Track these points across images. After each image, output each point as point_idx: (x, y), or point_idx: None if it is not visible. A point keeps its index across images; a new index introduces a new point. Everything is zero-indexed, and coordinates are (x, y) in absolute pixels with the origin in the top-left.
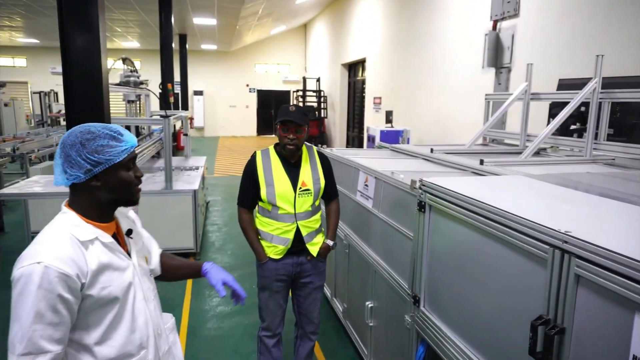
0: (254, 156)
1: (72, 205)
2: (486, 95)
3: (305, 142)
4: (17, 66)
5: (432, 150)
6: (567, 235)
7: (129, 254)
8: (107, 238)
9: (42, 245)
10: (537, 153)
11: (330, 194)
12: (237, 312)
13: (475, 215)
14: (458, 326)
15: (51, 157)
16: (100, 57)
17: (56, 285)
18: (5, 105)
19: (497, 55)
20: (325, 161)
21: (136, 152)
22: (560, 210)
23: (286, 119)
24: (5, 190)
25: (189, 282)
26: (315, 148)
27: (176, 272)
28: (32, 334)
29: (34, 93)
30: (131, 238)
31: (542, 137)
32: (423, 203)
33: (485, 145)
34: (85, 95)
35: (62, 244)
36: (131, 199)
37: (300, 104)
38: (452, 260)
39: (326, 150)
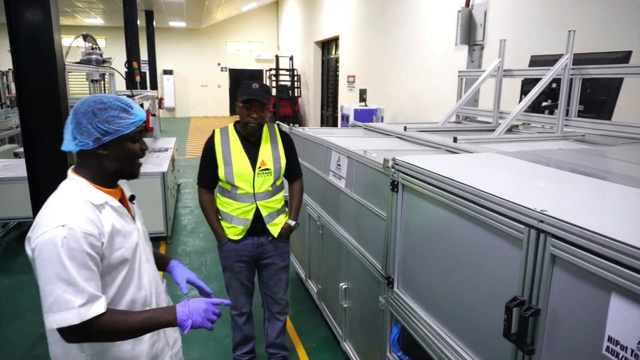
0: (212, 135)
1: (78, 171)
2: (459, 72)
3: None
4: None
5: (405, 129)
6: (543, 214)
7: (133, 219)
8: (116, 202)
9: (59, 209)
10: (510, 130)
11: (292, 174)
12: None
13: (449, 195)
14: (432, 308)
15: (11, 140)
16: (53, 32)
17: (83, 244)
18: None
19: (470, 33)
20: (287, 139)
21: (143, 125)
22: (535, 188)
23: (250, 98)
24: None
25: None
26: (276, 126)
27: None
28: (80, 286)
29: None
30: (133, 204)
31: (515, 114)
32: (396, 182)
33: (458, 123)
34: (37, 74)
35: (80, 206)
36: (133, 171)
37: (274, 83)
38: (425, 240)
39: (299, 130)
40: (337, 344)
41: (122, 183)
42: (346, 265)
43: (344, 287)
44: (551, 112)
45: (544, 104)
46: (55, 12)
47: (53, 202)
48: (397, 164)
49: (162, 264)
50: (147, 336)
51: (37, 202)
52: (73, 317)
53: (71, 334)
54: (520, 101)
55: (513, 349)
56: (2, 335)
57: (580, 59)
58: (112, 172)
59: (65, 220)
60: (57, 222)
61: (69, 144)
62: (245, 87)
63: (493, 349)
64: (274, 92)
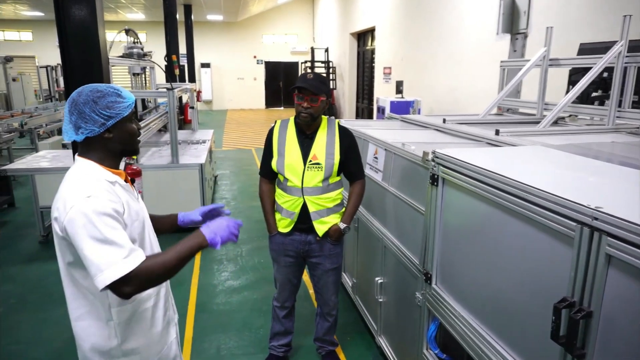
0: (273, 125)
1: (85, 156)
2: (501, 62)
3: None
4: (23, 40)
5: (444, 121)
6: (598, 211)
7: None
8: (123, 182)
9: (80, 185)
10: (556, 122)
11: (351, 174)
12: (246, 286)
13: (492, 189)
14: (473, 305)
15: (59, 132)
16: (98, 28)
17: (109, 209)
18: (14, 80)
19: (513, 21)
20: (346, 137)
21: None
22: (587, 184)
23: (300, 86)
24: (14, 166)
25: (197, 257)
26: (337, 121)
27: (156, 224)
28: (119, 242)
29: (41, 67)
30: (134, 187)
31: (562, 105)
32: (436, 176)
33: (499, 115)
34: (84, 68)
35: (97, 181)
36: (134, 148)
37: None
38: (467, 236)
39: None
40: (372, 339)
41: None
42: (382, 259)
43: (379, 281)
44: (601, 103)
45: (594, 94)
46: (100, 8)
47: (71, 182)
48: (437, 157)
49: (171, 221)
50: (161, 304)
51: None
52: (120, 269)
53: (124, 286)
54: (567, 92)
55: (561, 352)
56: (51, 317)
57: (635, 46)
58: (117, 153)
59: (89, 192)
60: (83, 195)
61: (72, 135)
62: (301, 76)
63: (538, 351)
64: None
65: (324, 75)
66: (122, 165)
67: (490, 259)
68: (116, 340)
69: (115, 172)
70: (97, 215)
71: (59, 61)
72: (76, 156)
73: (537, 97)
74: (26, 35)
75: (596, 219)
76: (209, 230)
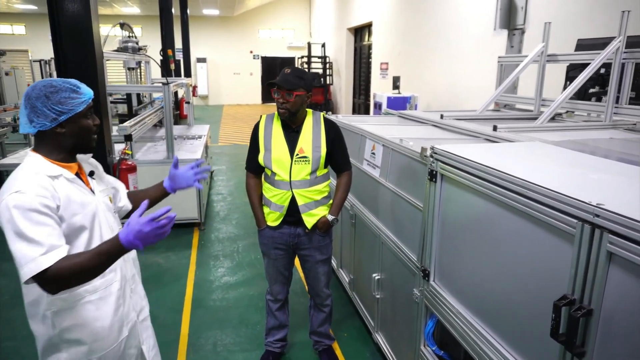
0: (258, 120)
1: (37, 150)
2: (499, 57)
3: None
4: (16, 34)
5: (442, 117)
6: (599, 208)
7: (92, 192)
8: (70, 175)
9: (16, 180)
10: (553, 118)
11: (338, 165)
12: (242, 282)
13: (491, 185)
14: (471, 302)
15: None
16: (91, 21)
17: (35, 205)
18: (6, 74)
19: (510, 16)
20: (331, 129)
21: (92, 103)
22: (586, 180)
23: (270, 82)
24: (6, 161)
25: (194, 253)
26: (322, 114)
27: (143, 199)
28: (37, 239)
29: (35, 61)
30: (93, 179)
31: (560, 101)
32: (434, 172)
33: (497, 111)
34: (77, 62)
35: (34, 176)
36: (89, 145)
37: (306, 70)
38: (465, 233)
39: (331, 117)
40: (369, 335)
41: (83, 160)
42: (379, 255)
43: (376, 277)
44: (599, 100)
45: (592, 90)
46: (94, 1)
47: (11, 176)
48: (435, 153)
49: (158, 191)
50: (112, 299)
51: None
52: (36, 266)
53: (43, 282)
54: (564, 88)
55: (561, 350)
56: None
57: (633, 42)
58: (70, 148)
59: (18, 187)
60: (12, 190)
61: (26, 127)
62: (280, 72)
63: (537, 349)
64: None
65: (310, 69)
66: (84, 158)
67: (489, 255)
68: (52, 329)
69: (63, 166)
70: (21, 211)
71: (53, 55)
72: (28, 150)
73: (534, 93)
74: (19, 28)
75: (597, 216)
76: (126, 232)
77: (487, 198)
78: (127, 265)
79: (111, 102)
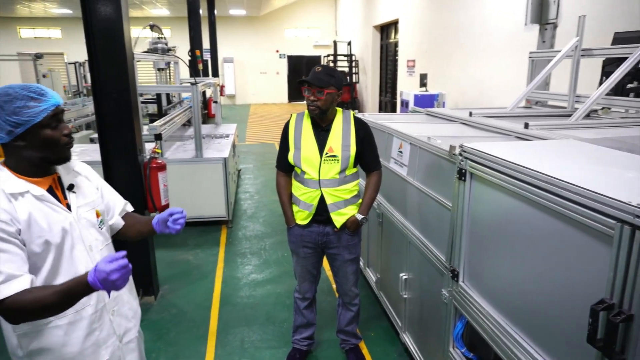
0: (289, 119)
1: (6, 162)
2: (530, 53)
3: (343, 108)
4: (52, 37)
5: (470, 114)
6: None
7: (68, 207)
8: (39, 191)
9: None
10: (588, 115)
11: (368, 165)
12: (269, 280)
13: (524, 185)
14: (503, 305)
15: (88, 126)
16: (123, 24)
17: None
18: (44, 76)
19: (542, 10)
20: (361, 128)
21: (61, 109)
22: (625, 179)
23: (302, 80)
24: None
25: (221, 250)
26: (352, 113)
27: (132, 229)
28: None
29: (70, 64)
30: (74, 192)
31: (596, 97)
32: (463, 171)
33: (528, 108)
34: (110, 64)
35: None
36: (59, 156)
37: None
38: (496, 233)
39: (358, 116)
40: (396, 335)
41: (67, 170)
42: (407, 255)
43: (404, 277)
44: (637, 95)
45: (629, 85)
46: (125, 4)
47: None
48: (465, 151)
49: (146, 224)
50: (83, 324)
51: (110, 182)
52: None
53: (1, 312)
54: (600, 83)
55: (598, 356)
56: None
57: None
58: (37, 161)
59: None
60: None
61: None
62: (311, 70)
63: (572, 354)
64: None
65: (337, 67)
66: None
67: (521, 256)
68: (21, 350)
69: (32, 181)
70: None
71: (87, 57)
72: None
73: (568, 89)
74: (55, 32)
75: (638, 216)
76: (93, 277)
77: (519, 197)
78: None
79: (142, 102)
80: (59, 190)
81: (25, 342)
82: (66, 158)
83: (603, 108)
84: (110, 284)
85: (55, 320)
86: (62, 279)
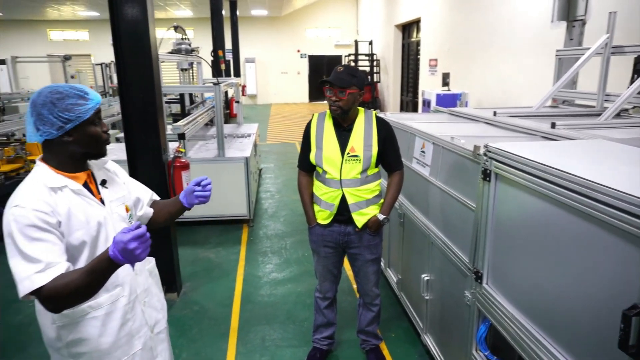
0: (311, 119)
1: (45, 159)
2: (557, 51)
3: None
4: (80, 39)
5: (495, 114)
6: None
7: (102, 202)
8: (76, 186)
9: (18, 193)
10: (618, 115)
11: (390, 165)
12: (290, 279)
13: (552, 186)
14: (529, 308)
15: (113, 126)
16: (148, 25)
17: (34, 220)
18: (72, 77)
19: (570, 7)
20: (383, 128)
21: (100, 108)
22: None
23: (323, 80)
24: None
25: (243, 248)
26: (374, 113)
27: (163, 214)
28: (34, 256)
29: (96, 65)
30: (106, 187)
31: (627, 96)
32: (488, 171)
33: (555, 107)
34: (135, 64)
35: (35, 189)
36: (99, 152)
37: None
38: (522, 234)
39: (380, 115)
40: (417, 336)
41: (98, 167)
42: (429, 256)
43: (426, 278)
44: None
45: None
46: (151, 6)
47: (17, 188)
48: (489, 151)
49: (175, 203)
50: (118, 314)
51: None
52: (30, 284)
53: (42, 301)
54: (632, 82)
55: None
56: None
57: None
58: (78, 156)
59: (19, 201)
60: (12, 204)
61: (33, 136)
62: (333, 70)
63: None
64: None
65: (358, 67)
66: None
67: (549, 259)
68: (60, 342)
69: (70, 176)
70: (19, 227)
71: (113, 58)
72: (37, 159)
73: (597, 88)
74: (83, 34)
75: None
76: (112, 248)
77: (547, 199)
78: (139, 279)
79: (165, 102)
80: (93, 185)
81: (64, 333)
82: (104, 153)
83: (634, 107)
84: (129, 254)
85: (92, 312)
86: None
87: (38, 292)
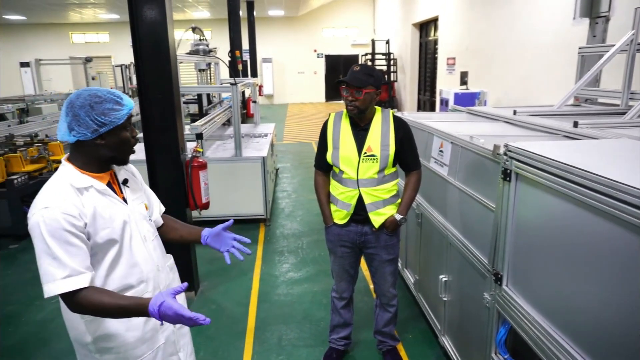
0: (327, 118)
1: (71, 159)
2: (580, 48)
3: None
4: (101, 42)
5: (515, 112)
6: None
7: (124, 200)
8: (101, 185)
9: (45, 194)
10: None
11: (407, 164)
12: (306, 279)
13: (577, 187)
14: (551, 312)
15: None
16: (167, 27)
17: (63, 223)
18: (93, 79)
19: (593, 3)
20: (400, 127)
21: (132, 114)
22: None
23: (340, 80)
24: None
25: (259, 248)
26: (392, 112)
27: (174, 232)
28: (61, 259)
29: (116, 66)
30: (127, 187)
31: None
32: (508, 171)
33: (577, 106)
34: (154, 65)
35: (62, 190)
36: (125, 158)
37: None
38: (544, 236)
39: (397, 114)
40: (435, 338)
41: (118, 168)
42: (447, 257)
43: (444, 279)
44: None
45: None
46: (169, 8)
47: (43, 188)
48: (510, 151)
49: (193, 236)
50: None
51: (154, 180)
52: (56, 288)
53: (65, 300)
54: None
55: None
56: None
57: None
58: (107, 160)
59: (47, 203)
60: (41, 205)
61: (65, 136)
62: (349, 70)
63: None
64: None
65: (375, 66)
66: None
67: (574, 262)
68: (89, 336)
69: (95, 176)
70: (48, 230)
71: (132, 60)
72: (63, 159)
73: (621, 86)
74: (104, 36)
75: None
76: (157, 310)
77: (570, 200)
78: (161, 275)
79: (183, 103)
80: (116, 185)
81: (93, 328)
82: (127, 161)
83: None
84: (166, 319)
85: None
86: (122, 268)
87: (64, 295)
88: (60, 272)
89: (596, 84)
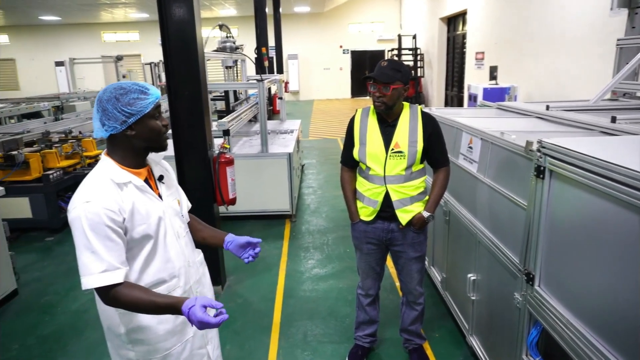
0: (354, 114)
1: (110, 154)
2: (618, 40)
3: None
4: (131, 40)
5: (547, 107)
6: None
7: (160, 197)
8: (139, 182)
9: (87, 188)
10: None
11: (435, 161)
12: (332, 275)
13: (615, 184)
14: (586, 313)
15: None
16: (195, 25)
17: (104, 218)
18: (123, 77)
19: None
20: (429, 123)
21: (159, 102)
22: None
23: (367, 75)
24: None
25: (285, 243)
26: (420, 108)
27: (197, 233)
28: (100, 254)
29: (146, 64)
30: (163, 183)
31: None
32: (542, 168)
33: (614, 101)
34: (183, 63)
35: (103, 185)
36: (161, 145)
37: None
38: (580, 235)
39: (425, 110)
40: (462, 337)
41: (155, 163)
42: (475, 255)
43: (472, 278)
44: None
45: None
46: (197, 6)
47: (84, 182)
48: (544, 147)
49: (215, 239)
50: None
51: (182, 176)
52: (93, 281)
53: (99, 293)
54: None
55: None
56: None
57: None
58: (142, 150)
59: (89, 197)
60: (83, 199)
61: (99, 131)
62: (376, 65)
63: None
64: None
65: (402, 61)
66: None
67: (611, 262)
68: (123, 328)
69: (133, 172)
70: (90, 224)
71: (161, 57)
72: (102, 153)
73: None
74: (134, 35)
75: None
76: (189, 312)
77: (608, 198)
78: (192, 270)
79: (211, 99)
80: (152, 181)
81: (126, 319)
82: (165, 146)
83: None
84: (196, 323)
85: None
86: (156, 263)
87: (99, 288)
88: (98, 266)
89: (635, 78)
